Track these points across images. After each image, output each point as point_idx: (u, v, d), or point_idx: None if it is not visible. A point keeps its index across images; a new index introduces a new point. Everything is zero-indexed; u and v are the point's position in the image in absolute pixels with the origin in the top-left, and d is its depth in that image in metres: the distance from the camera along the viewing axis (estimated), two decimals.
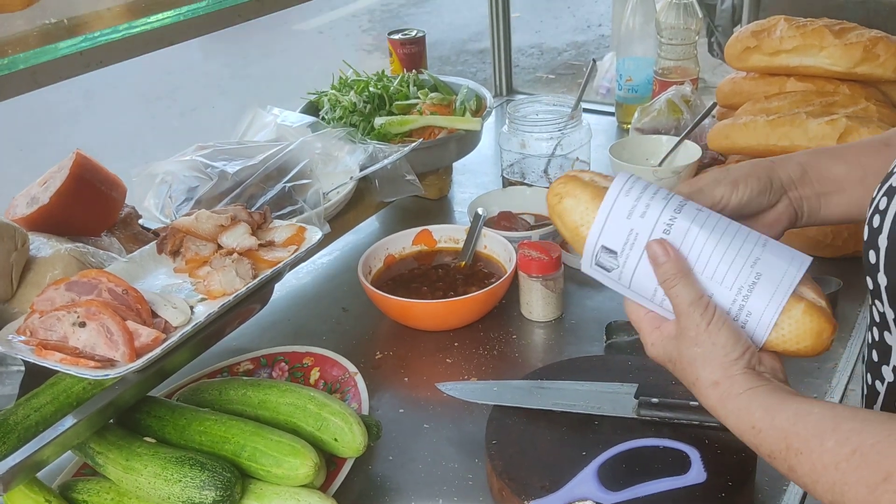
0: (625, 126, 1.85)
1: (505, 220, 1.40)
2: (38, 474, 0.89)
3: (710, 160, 1.55)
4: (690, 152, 1.52)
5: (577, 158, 1.49)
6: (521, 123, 1.48)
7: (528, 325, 1.25)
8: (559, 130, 1.45)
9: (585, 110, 1.60)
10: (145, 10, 0.80)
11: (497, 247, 1.33)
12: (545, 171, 1.50)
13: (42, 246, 1.03)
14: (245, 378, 1.08)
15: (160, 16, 0.79)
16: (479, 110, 1.61)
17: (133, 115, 4.92)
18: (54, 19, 0.81)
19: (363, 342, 1.24)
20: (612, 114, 1.94)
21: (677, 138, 1.55)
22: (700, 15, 1.74)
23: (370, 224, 1.55)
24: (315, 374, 1.14)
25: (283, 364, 1.16)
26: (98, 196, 1.11)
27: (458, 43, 6.47)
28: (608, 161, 1.55)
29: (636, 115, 1.67)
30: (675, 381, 0.78)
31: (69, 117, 4.59)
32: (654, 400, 0.95)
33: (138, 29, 0.79)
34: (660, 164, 1.54)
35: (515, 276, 1.25)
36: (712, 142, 1.48)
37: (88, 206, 1.10)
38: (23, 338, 0.90)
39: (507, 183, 1.54)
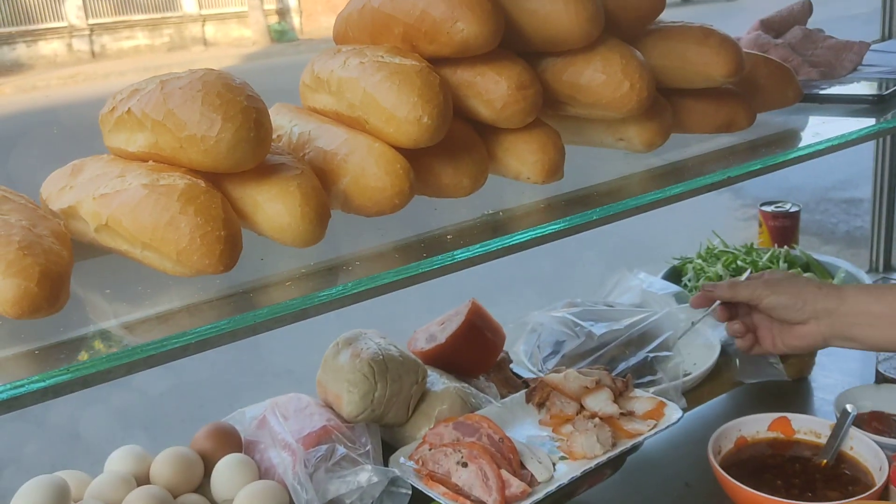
0: None
1: (877, 422, 1.29)
2: None
3: None
4: None
5: None
6: None
7: None
8: None
9: None
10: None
11: (866, 451, 1.23)
12: None
13: (435, 381, 1.20)
14: None
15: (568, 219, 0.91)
16: None
17: (508, 263, 5.44)
18: (490, 210, 0.97)
19: None
20: None
21: None
22: None
23: (720, 397, 1.52)
24: None
25: None
26: (484, 341, 1.27)
27: (820, 190, 6.11)
28: None
29: None
30: None
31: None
32: None
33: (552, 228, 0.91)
34: None
35: (886, 489, 1.14)
36: None
37: (476, 350, 1.26)
38: (414, 464, 1.05)
39: (881, 378, 1.42)
